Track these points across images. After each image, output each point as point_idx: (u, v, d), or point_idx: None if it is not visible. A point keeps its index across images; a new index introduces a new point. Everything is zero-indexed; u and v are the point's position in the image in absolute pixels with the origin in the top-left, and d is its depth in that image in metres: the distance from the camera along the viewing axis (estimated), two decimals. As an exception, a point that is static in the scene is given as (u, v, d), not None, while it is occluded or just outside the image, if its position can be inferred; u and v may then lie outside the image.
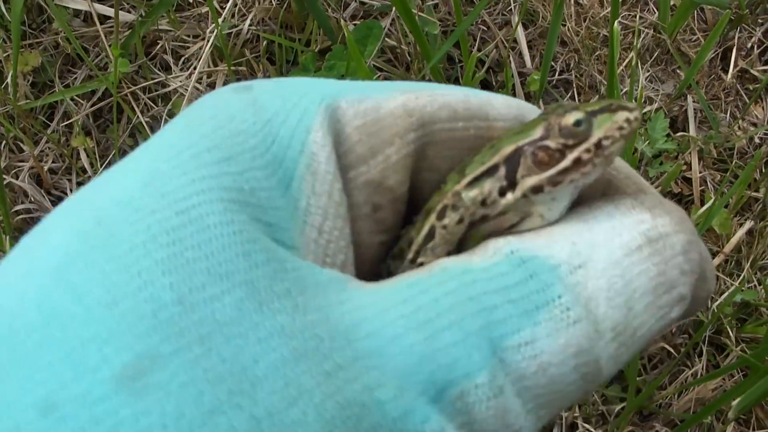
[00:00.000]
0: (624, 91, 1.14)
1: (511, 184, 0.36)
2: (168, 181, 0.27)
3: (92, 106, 1.15)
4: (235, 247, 0.26)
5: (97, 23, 1.14)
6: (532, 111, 0.40)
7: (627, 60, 1.17)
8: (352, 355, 0.27)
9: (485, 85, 1.17)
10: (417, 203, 0.40)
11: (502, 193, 0.36)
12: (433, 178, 0.39)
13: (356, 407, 0.27)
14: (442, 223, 0.37)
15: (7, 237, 1.07)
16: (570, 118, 0.36)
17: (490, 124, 0.38)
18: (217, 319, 0.25)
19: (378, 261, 0.39)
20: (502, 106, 0.38)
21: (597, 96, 1.17)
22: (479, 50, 1.17)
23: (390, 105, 0.36)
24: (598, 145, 0.36)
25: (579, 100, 1.18)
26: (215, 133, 0.30)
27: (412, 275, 0.32)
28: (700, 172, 1.18)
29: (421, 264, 0.37)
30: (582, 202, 0.41)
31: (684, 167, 1.18)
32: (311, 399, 0.26)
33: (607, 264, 0.33)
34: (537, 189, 0.36)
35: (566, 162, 0.36)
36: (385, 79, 1.13)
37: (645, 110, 1.19)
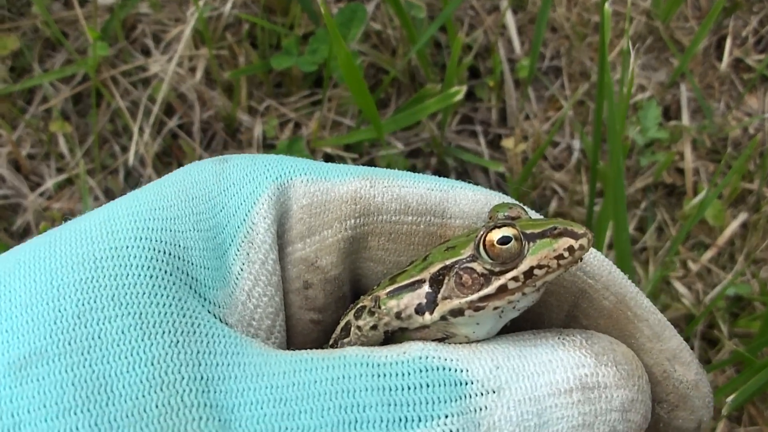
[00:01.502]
0: (616, 78, 1.12)
1: (431, 304, 0.34)
2: (118, 222, 0.33)
3: (72, 90, 1.13)
4: (144, 286, 0.31)
5: (77, 6, 1.12)
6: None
7: (618, 47, 1.15)
8: (204, 402, 0.29)
9: (473, 72, 1.14)
10: (362, 292, 0.40)
11: (420, 311, 0.35)
12: (377, 269, 0.39)
13: None
14: (357, 322, 0.36)
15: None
16: (495, 235, 0.33)
17: (446, 222, 0.38)
18: (102, 336, 0.29)
19: (312, 337, 0.39)
20: (466, 202, 0.38)
21: (587, 84, 1.14)
22: (467, 35, 1.14)
23: (341, 190, 0.37)
24: (529, 273, 0.33)
25: (569, 88, 1.15)
26: (175, 195, 0.35)
27: (317, 352, 0.32)
28: (693, 163, 1.15)
29: None
30: (542, 317, 0.38)
31: (676, 157, 1.15)
32: (149, 425, 0.28)
33: (525, 397, 0.31)
34: (456, 312, 0.34)
35: (489, 288, 0.34)
36: (370, 64, 1.10)
37: (637, 98, 1.16)
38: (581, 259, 0.34)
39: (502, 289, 0.33)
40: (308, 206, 0.37)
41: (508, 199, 0.39)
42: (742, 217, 1.13)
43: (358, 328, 0.36)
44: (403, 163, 1.03)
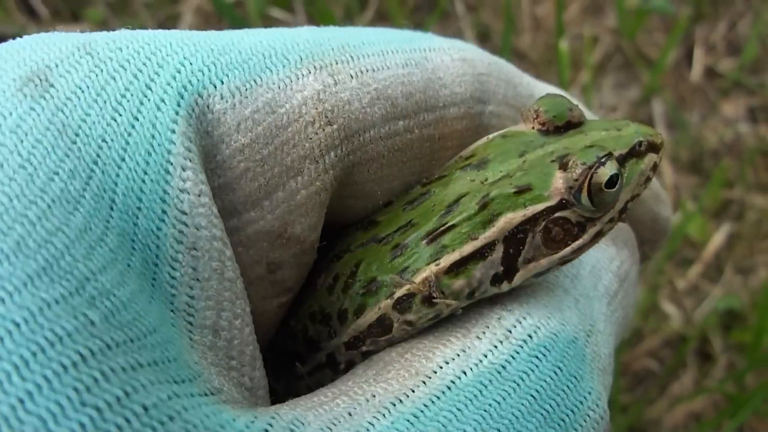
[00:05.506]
0: (584, 103, 1.11)
1: (510, 270, 0.27)
2: None
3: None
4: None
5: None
6: (490, 78, 0.30)
7: (585, 69, 1.14)
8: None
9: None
10: (331, 229, 0.28)
11: (497, 281, 0.27)
12: (360, 205, 0.27)
13: None
14: (405, 317, 0.27)
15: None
16: (603, 176, 0.27)
17: (441, 114, 0.27)
18: None
19: (277, 322, 0.29)
20: (452, 76, 0.27)
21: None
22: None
23: (294, 101, 0.22)
24: (623, 209, 0.28)
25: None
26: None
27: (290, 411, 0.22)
28: (672, 177, 1.14)
29: (366, 352, 0.28)
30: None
31: (655, 173, 1.14)
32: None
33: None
34: (540, 275, 0.28)
35: (584, 238, 0.28)
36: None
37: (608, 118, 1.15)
38: None
39: (597, 235, 0.28)
40: (252, 146, 0.22)
41: (550, 88, 0.33)
42: (726, 228, 1.13)
43: (408, 323, 0.27)
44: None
